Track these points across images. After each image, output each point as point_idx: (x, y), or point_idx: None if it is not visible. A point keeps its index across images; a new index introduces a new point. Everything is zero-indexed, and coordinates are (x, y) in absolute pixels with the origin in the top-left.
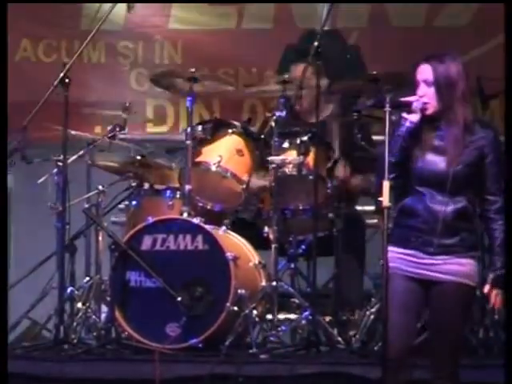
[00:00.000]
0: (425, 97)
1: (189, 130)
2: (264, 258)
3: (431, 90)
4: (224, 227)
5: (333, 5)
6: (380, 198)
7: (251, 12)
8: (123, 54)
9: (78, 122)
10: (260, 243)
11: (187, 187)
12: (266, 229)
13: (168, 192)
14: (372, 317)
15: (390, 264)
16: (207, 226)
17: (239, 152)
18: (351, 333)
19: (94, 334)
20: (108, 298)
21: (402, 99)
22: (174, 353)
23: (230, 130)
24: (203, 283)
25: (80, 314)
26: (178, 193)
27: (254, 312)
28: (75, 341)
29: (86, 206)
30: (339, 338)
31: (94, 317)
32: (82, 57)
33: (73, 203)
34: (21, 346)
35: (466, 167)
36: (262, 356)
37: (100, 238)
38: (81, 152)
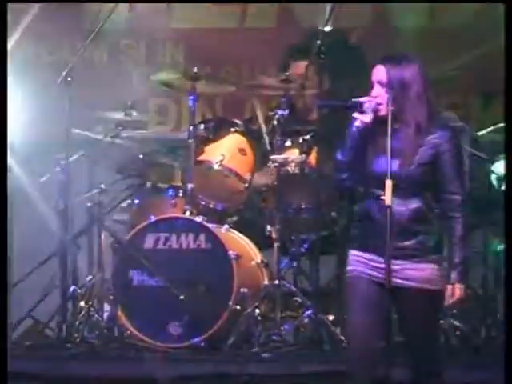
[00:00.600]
0: (378, 98)
1: (191, 128)
2: (266, 256)
3: (384, 91)
4: (226, 226)
5: (335, 4)
6: (382, 197)
7: (254, 11)
8: (125, 53)
9: (81, 121)
10: (262, 242)
11: (190, 186)
12: (269, 227)
13: (170, 191)
14: None
15: (351, 267)
16: (210, 225)
17: (241, 151)
18: None
19: (97, 332)
20: (111, 297)
21: (354, 99)
22: (176, 351)
23: (232, 129)
24: (206, 282)
25: (83, 312)
26: (181, 191)
27: (257, 311)
28: (78, 339)
29: (89, 204)
30: (342, 337)
31: (96, 315)
32: (84, 56)
33: (75, 202)
34: (23, 345)
35: (420, 167)
36: (265, 355)
37: (102, 237)
38: (83, 151)
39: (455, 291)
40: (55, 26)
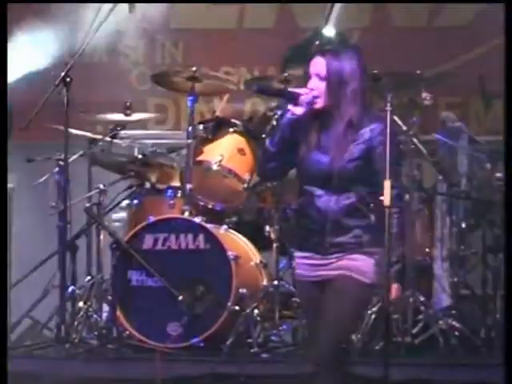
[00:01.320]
0: (315, 91)
1: (190, 129)
2: (265, 257)
3: (322, 85)
4: (225, 226)
5: (334, 5)
6: (381, 197)
7: (252, 11)
8: (124, 54)
9: (79, 121)
10: (261, 242)
11: (188, 186)
12: (268, 228)
13: (169, 191)
14: (373, 316)
15: (296, 270)
16: (208, 225)
17: (240, 151)
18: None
19: (96, 333)
20: (109, 298)
21: (291, 90)
22: (175, 352)
23: (231, 129)
24: (204, 282)
25: (81, 313)
26: (180, 192)
27: (256, 311)
28: (76, 340)
29: (88, 205)
30: None
31: (95, 316)
32: (83, 56)
33: (74, 202)
34: (22, 345)
35: (352, 163)
36: (264, 355)
37: (101, 237)
38: (82, 151)
39: (391, 291)
40: (54, 25)
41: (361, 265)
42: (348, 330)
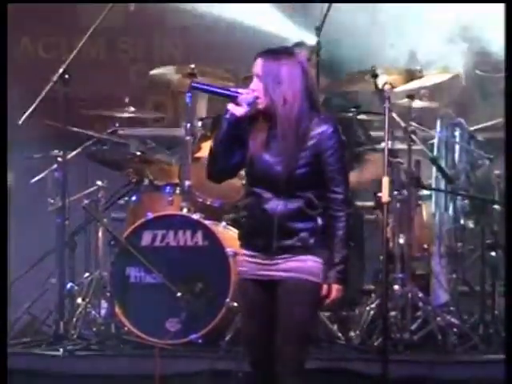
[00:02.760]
0: (256, 91)
1: (188, 125)
2: None
3: (260, 85)
4: (224, 223)
5: (331, 5)
6: (379, 194)
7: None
8: (123, 50)
9: (78, 118)
10: None
11: (187, 183)
12: None
13: (168, 188)
14: (372, 313)
15: (240, 268)
16: (207, 222)
17: None
18: (351, 328)
19: (94, 329)
20: (108, 294)
21: (232, 89)
22: (173, 348)
23: None
24: (203, 279)
25: (80, 309)
26: (178, 188)
27: None
28: (75, 336)
29: (86, 201)
30: (339, 334)
31: (93, 312)
32: (81, 53)
33: (72, 199)
34: (21, 342)
35: (302, 167)
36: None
37: (100, 234)
38: (80, 148)
39: (331, 291)
40: (52, 23)
41: (311, 266)
42: (308, 331)
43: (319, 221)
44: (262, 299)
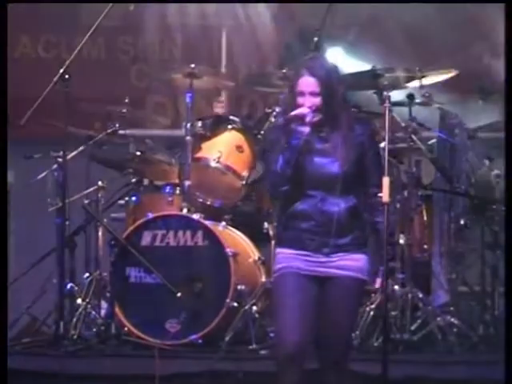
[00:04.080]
0: (313, 107)
1: (188, 125)
2: (264, 253)
3: (318, 101)
4: (224, 223)
5: (331, 5)
6: (380, 194)
7: (252, 9)
8: (123, 50)
9: (78, 118)
10: (260, 239)
11: (187, 183)
12: (266, 225)
13: (168, 188)
14: (371, 313)
15: (282, 264)
16: (207, 222)
17: (239, 148)
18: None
19: (94, 329)
20: (108, 294)
21: (295, 113)
22: (173, 349)
23: (229, 126)
24: (203, 279)
25: (80, 309)
26: (178, 189)
27: (254, 308)
28: (75, 337)
29: (86, 201)
30: None
31: (93, 313)
32: (81, 53)
33: (72, 199)
34: (21, 342)
35: (352, 166)
36: (262, 352)
37: (100, 234)
38: (80, 148)
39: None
40: (52, 22)
41: (361, 264)
42: (354, 324)
43: (365, 217)
44: (307, 292)
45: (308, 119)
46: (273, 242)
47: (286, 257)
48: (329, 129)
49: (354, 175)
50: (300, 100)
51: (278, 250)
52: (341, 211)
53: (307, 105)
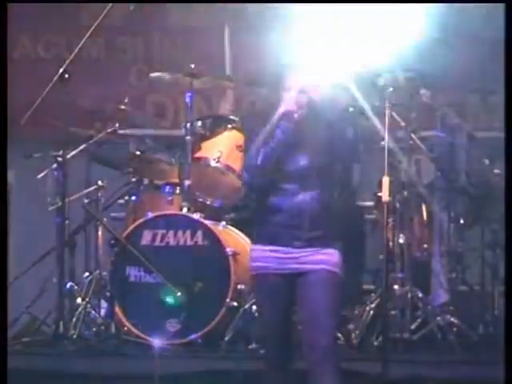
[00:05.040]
0: (299, 105)
1: (188, 125)
2: None
3: (305, 98)
4: (224, 222)
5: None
6: (379, 194)
7: (251, 9)
8: (123, 50)
9: (78, 118)
10: None
11: (187, 183)
12: None
13: (168, 187)
14: (371, 312)
15: (257, 263)
16: (207, 222)
17: (239, 147)
18: (351, 328)
19: (94, 329)
20: (108, 294)
21: (287, 108)
22: (173, 348)
23: (229, 126)
24: (203, 279)
25: (79, 309)
26: (178, 188)
27: (254, 307)
28: (75, 336)
29: (86, 201)
30: (339, 334)
31: (93, 312)
32: (81, 53)
33: (72, 198)
34: (20, 341)
35: (324, 160)
36: (262, 351)
37: (99, 234)
38: (80, 147)
39: None
40: (52, 22)
41: (336, 259)
42: (336, 320)
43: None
44: (283, 292)
45: (295, 116)
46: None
47: (259, 255)
48: (306, 124)
49: (325, 169)
50: (287, 95)
51: (253, 246)
52: (313, 205)
53: (296, 102)
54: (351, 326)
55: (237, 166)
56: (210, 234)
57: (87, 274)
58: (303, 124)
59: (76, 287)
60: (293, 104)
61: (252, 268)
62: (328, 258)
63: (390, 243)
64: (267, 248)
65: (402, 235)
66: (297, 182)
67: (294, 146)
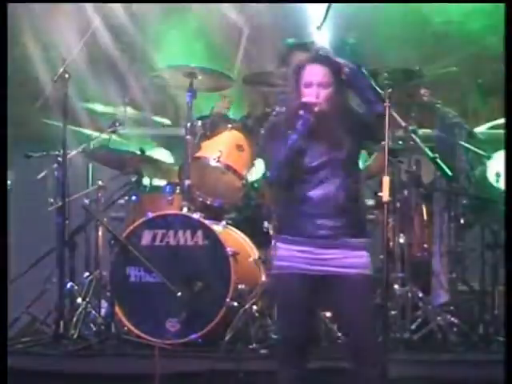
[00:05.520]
0: (319, 98)
1: (188, 125)
2: (264, 253)
3: (325, 92)
4: (224, 222)
5: (330, 5)
6: (380, 193)
7: (251, 8)
8: (123, 50)
9: (78, 118)
10: (260, 238)
11: (187, 182)
12: (266, 224)
13: (168, 187)
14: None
15: (283, 263)
16: (207, 222)
17: (239, 147)
18: None
19: (94, 329)
20: (108, 294)
21: (306, 100)
22: (173, 348)
23: (229, 126)
24: (203, 278)
25: (80, 309)
26: (178, 188)
27: (254, 307)
28: (75, 336)
29: (86, 201)
30: (339, 334)
31: (93, 312)
32: (81, 53)
33: (72, 198)
34: (21, 342)
35: (349, 151)
36: (262, 351)
37: (100, 234)
38: (80, 147)
39: None
40: (52, 22)
41: (366, 260)
42: (375, 322)
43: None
44: (309, 293)
45: (316, 109)
46: (273, 242)
47: (288, 255)
48: (329, 115)
49: (350, 160)
50: (306, 91)
51: (279, 244)
52: (337, 194)
53: (315, 94)
54: None
55: (237, 165)
56: (210, 233)
57: (87, 274)
58: (325, 116)
59: (76, 287)
60: (313, 97)
61: (276, 267)
62: (360, 260)
63: (390, 243)
64: (295, 248)
65: (402, 235)
66: (320, 172)
67: (314, 136)
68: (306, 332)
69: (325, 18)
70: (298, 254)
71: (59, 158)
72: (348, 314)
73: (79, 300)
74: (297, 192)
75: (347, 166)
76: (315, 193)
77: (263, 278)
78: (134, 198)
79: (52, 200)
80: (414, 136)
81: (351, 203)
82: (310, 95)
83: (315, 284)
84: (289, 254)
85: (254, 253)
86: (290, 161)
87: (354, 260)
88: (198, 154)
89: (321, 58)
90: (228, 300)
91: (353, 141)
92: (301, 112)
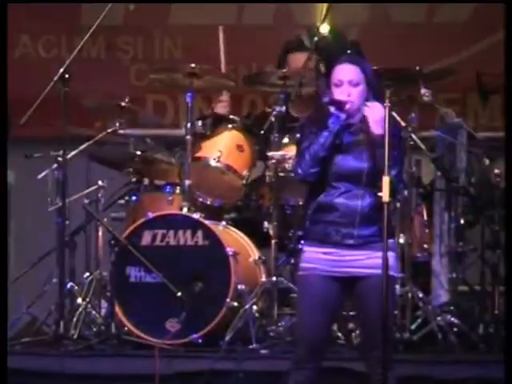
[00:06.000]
0: (351, 96)
1: (188, 125)
2: (264, 253)
3: (356, 90)
4: (224, 222)
5: (331, 4)
6: (380, 194)
7: (251, 8)
8: (123, 50)
9: (78, 118)
10: (260, 239)
11: (187, 182)
12: (266, 224)
13: (168, 187)
14: None
15: (308, 264)
16: (207, 222)
17: (239, 147)
18: (351, 328)
19: (94, 329)
20: (108, 294)
21: (338, 98)
22: (173, 348)
23: (229, 126)
24: (203, 278)
25: (80, 309)
26: (178, 188)
27: (254, 307)
28: (75, 336)
29: (86, 201)
30: (339, 334)
31: (93, 312)
32: (81, 52)
33: (72, 199)
34: (21, 342)
35: (378, 162)
36: (262, 351)
37: (100, 234)
38: (81, 147)
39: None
40: (52, 22)
41: (391, 262)
42: (391, 325)
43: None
44: (332, 294)
45: (348, 107)
46: (273, 242)
47: (312, 256)
48: (358, 121)
49: (378, 170)
50: (337, 90)
51: (306, 247)
52: (364, 203)
53: (345, 93)
54: (351, 326)
55: (237, 165)
56: (210, 233)
57: (87, 274)
58: (352, 120)
59: (76, 287)
60: (344, 96)
61: (302, 268)
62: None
63: None
64: (320, 250)
65: (402, 235)
66: (348, 180)
67: (345, 144)
68: (326, 333)
69: (325, 17)
70: (323, 256)
71: (59, 158)
72: (371, 315)
73: (79, 300)
74: (324, 197)
75: (373, 177)
76: (342, 201)
77: (263, 279)
78: (133, 198)
79: (52, 200)
80: (414, 136)
81: (378, 213)
82: (341, 93)
83: (340, 285)
84: (314, 256)
85: (254, 253)
86: (320, 158)
87: (379, 261)
88: (198, 154)
89: (349, 57)
90: (228, 300)
91: (380, 152)
92: (332, 109)
